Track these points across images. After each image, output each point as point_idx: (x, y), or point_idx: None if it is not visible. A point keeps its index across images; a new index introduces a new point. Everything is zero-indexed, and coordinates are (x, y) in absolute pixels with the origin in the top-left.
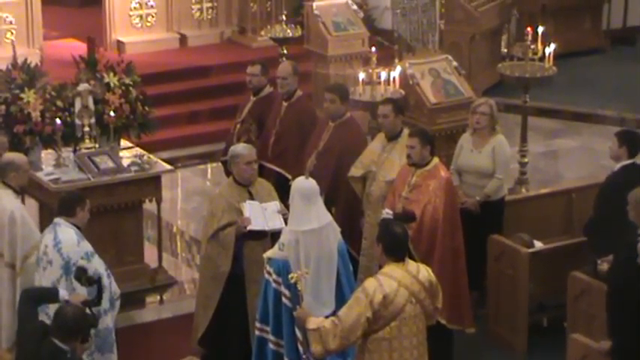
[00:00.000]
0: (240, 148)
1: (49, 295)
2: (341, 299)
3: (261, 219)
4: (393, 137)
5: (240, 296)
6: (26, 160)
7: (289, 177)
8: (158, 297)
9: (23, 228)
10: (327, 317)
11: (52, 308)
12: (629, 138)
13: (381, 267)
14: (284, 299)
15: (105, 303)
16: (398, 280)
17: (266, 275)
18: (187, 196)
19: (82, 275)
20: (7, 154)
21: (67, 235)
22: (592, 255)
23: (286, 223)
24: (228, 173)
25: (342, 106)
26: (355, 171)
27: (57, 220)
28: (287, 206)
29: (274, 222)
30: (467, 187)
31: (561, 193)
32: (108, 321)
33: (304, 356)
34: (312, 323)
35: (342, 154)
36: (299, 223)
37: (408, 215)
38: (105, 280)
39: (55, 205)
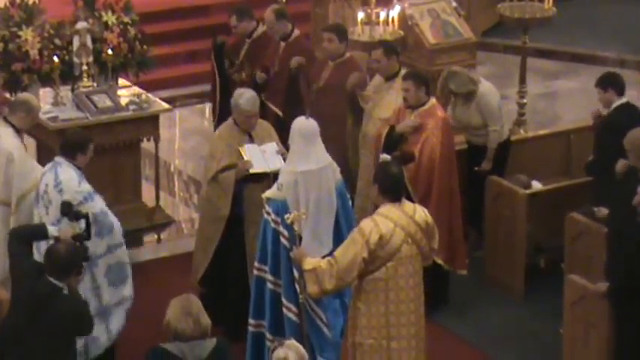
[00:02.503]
0: (244, 100)
1: (38, 232)
2: (339, 240)
3: (262, 161)
4: (390, 77)
5: (239, 237)
6: (39, 106)
7: (280, 114)
8: (156, 236)
9: (21, 166)
10: (324, 257)
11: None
12: (610, 80)
13: (377, 208)
14: (282, 239)
15: (118, 238)
16: (394, 221)
17: (265, 215)
18: (185, 135)
19: (69, 210)
20: (24, 94)
21: (67, 175)
22: (592, 196)
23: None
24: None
25: (340, 46)
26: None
27: (58, 159)
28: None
29: (275, 162)
30: (467, 135)
31: (560, 134)
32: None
33: (301, 296)
34: (309, 264)
35: (341, 93)
36: (298, 163)
37: (407, 155)
38: (110, 217)
39: (52, 143)
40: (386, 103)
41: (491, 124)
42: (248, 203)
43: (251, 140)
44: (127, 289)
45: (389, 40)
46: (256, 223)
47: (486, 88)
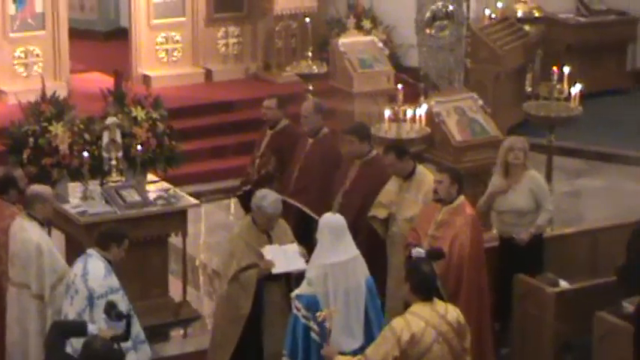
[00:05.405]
0: (267, 203)
1: (78, 328)
2: (369, 334)
3: (284, 261)
4: (407, 176)
5: (257, 336)
6: (51, 192)
7: (315, 216)
8: (182, 331)
9: (50, 258)
10: (355, 351)
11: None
12: None
13: (408, 306)
14: (313, 334)
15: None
16: (425, 320)
17: (294, 311)
18: (211, 230)
19: (112, 310)
20: (34, 186)
21: (95, 267)
22: (621, 296)
23: (307, 263)
24: (245, 207)
25: (362, 146)
26: (377, 212)
27: (90, 250)
28: (306, 244)
29: (297, 263)
30: (506, 226)
31: (586, 232)
32: None
33: None
34: None
35: (369, 194)
36: (327, 256)
37: (437, 253)
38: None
39: (81, 237)
40: (408, 203)
41: (545, 204)
42: (266, 303)
43: (270, 239)
44: None
45: (398, 143)
46: (274, 323)
47: (536, 173)
